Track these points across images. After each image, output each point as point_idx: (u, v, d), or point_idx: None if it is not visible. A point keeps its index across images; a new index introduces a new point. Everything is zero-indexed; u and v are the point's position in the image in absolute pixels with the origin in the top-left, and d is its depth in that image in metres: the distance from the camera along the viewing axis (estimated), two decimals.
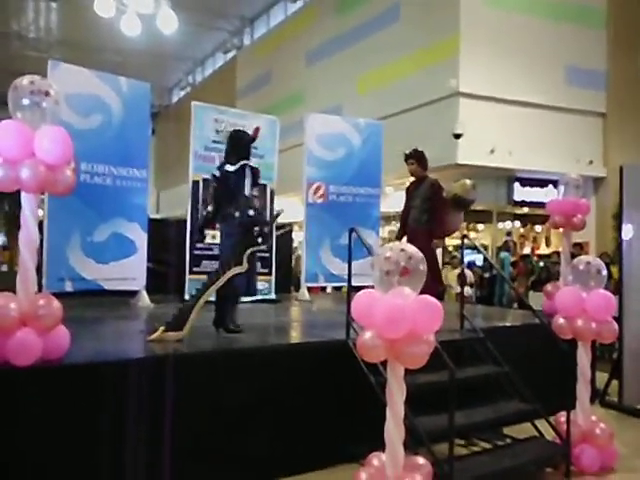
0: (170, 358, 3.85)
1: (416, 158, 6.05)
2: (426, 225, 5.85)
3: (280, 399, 4.28)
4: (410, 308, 3.18)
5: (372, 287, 3.36)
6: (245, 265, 4.64)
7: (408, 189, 6.19)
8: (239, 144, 5.04)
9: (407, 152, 6.10)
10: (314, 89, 16.98)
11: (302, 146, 8.37)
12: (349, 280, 4.81)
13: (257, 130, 5.23)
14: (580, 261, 4.59)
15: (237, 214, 4.78)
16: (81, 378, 3.57)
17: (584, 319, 4.52)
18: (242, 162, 4.90)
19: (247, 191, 4.80)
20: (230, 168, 4.92)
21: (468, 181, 5.74)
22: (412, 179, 6.26)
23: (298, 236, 13.79)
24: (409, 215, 6.04)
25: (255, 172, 4.96)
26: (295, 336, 5.39)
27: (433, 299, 3.27)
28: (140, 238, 6.89)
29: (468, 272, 10.76)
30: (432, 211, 5.83)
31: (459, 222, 5.98)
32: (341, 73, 15.70)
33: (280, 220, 6.77)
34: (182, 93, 28.78)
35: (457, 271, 10.40)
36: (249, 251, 4.68)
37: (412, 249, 3.33)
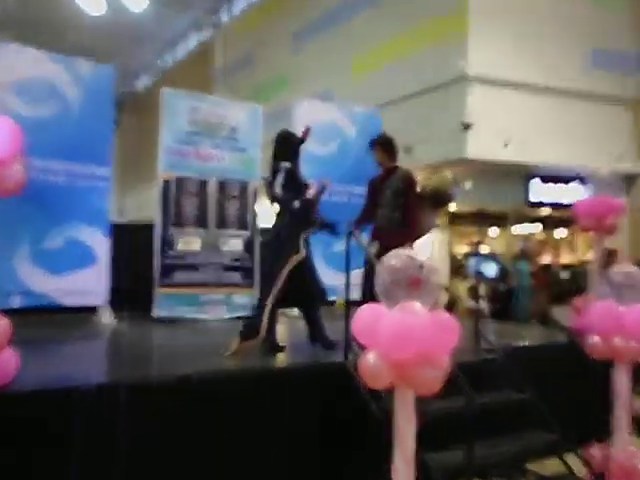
0: (122, 388, 3.80)
1: (382, 145, 5.81)
2: (399, 226, 5.60)
3: (261, 435, 4.22)
4: (421, 325, 3.14)
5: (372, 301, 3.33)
6: (303, 252, 5.02)
7: (373, 183, 5.92)
8: (285, 146, 5.30)
9: (371, 139, 5.94)
10: (302, 72, 17.00)
11: None
12: (347, 292, 4.78)
13: (307, 131, 5.32)
14: (617, 271, 4.57)
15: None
16: (28, 407, 3.50)
17: (622, 337, 4.50)
18: (282, 164, 5.17)
19: (277, 190, 5.07)
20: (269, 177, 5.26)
21: (448, 173, 5.74)
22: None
23: None
24: (374, 213, 5.80)
25: (292, 173, 5.17)
26: (280, 358, 5.34)
27: (447, 314, 3.24)
28: (101, 245, 6.85)
29: (481, 283, 10.76)
30: (405, 209, 5.62)
31: (434, 222, 5.96)
32: (333, 54, 15.74)
33: (263, 223, 6.70)
34: (150, 79, 28.74)
35: (467, 283, 10.39)
36: (304, 235, 5.08)
37: (422, 256, 3.31)
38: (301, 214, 5.08)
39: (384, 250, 3.46)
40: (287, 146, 5.31)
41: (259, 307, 4.97)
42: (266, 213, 5.95)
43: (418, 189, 5.72)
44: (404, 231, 5.52)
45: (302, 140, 5.34)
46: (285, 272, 4.95)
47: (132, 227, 8.96)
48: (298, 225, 5.10)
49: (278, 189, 5.08)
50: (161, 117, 7.39)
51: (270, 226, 5.30)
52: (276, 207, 5.26)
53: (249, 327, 4.92)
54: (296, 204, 5.03)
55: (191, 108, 7.55)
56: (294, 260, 4.99)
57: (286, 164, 5.18)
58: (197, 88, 10.82)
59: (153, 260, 7.22)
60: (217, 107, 7.75)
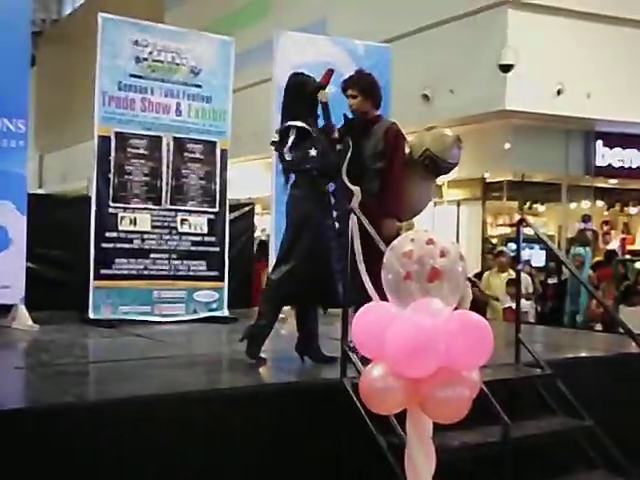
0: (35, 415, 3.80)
1: (361, 87, 5.59)
2: (377, 198, 5.41)
3: (229, 473, 4.23)
4: (443, 330, 3.14)
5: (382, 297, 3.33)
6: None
7: (343, 135, 5.54)
8: (299, 96, 5.26)
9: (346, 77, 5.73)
10: None
11: (269, 82, 8.33)
12: (344, 289, 4.81)
13: (329, 73, 5.33)
14: None
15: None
16: None
17: None
18: (290, 123, 5.17)
19: (287, 155, 5.14)
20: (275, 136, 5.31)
21: (448, 131, 5.63)
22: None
23: (263, 221, 13.69)
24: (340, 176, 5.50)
25: (306, 134, 5.17)
26: (260, 375, 5.35)
27: (477, 316, 3.25)
28: (16, 224, 6.85)
29: (525, 276, 10.76)
30: (387, 177, 5.48)
31: (428, 197, 5.83)
32: None
33: (234, 195, 6.71)
34: (79, 1, 28.55)
35: (506, 275, 10.39)
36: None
37: (444, 240, 3.30)
38: (325, 167, 5.14)
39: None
40: (299, 97, 5.27)
41: None
42: (241, 182, 5.93)
43: (406, 150, 5.56)
44: (384, 207, 5.38)
45: (321, 87, 5.27)
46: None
47: (58, 201, 8.95)
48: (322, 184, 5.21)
49: (287, 154, 5.13)
50: (98, 53, 7.31)
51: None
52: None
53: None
54: (312, 152, 5.06)
55: (136, 41, 7.47)
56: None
57: (296, 123, 5.17)
58: (143, 14, 10.75)
59: (87, 244, 7.18)
60: (172, 40, 7.68)
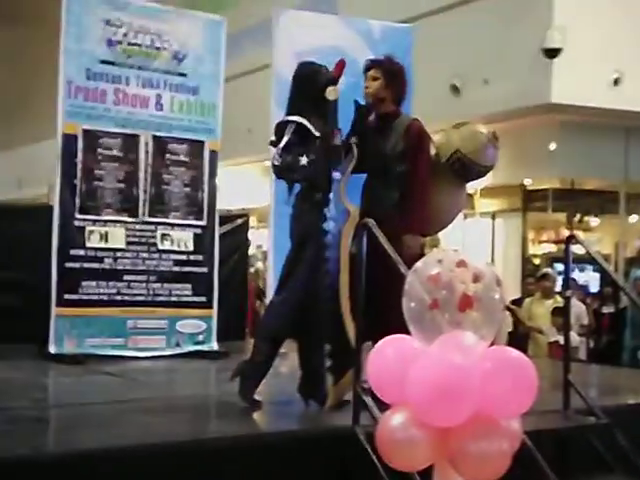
0: None
1: (386, 69, 5.65)
2: (396, 208, 5.45)
3: None
4: (476, 370, 3.15)
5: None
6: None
7: (348, 140, 5.65)
8: (305, 89, 5.36)
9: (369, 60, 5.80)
10: None
11: (267, 70, 8.36)
12: (358, 316, 4.75)
13: (341, 65, 5.41)
14: None
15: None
16: None
17: None
18: (289, 118, 5.31)
19: (275, 159, 5.23)
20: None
21: (481, 128, 5.62)
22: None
23: (259, 236, 13.70)
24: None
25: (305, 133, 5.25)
26: (255, 422, 5.36)
27: (517, 352, 3.26)
28: None
29: (578, 305, 10.68)
30: (411, 181, 5.48)
31: (457, 207, 5.86)
32: None
33: (225, 205, 6.77)
34: None
35: (551, 302, 10.34)
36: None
37: (479, 262, 3.36)
38: (315, 178, 5.21)
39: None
40: (306, 91, 5.35)
41: None
42: (233, 189, 6.00)
43: (431, 151, 5.60)
44: (403, 221, 5.37)
45: (332, 80, 5.34)
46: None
47: (11, 211, 8.93)
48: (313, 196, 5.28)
49: (276, 158, 5.22)
50: (62, 35, 7.30)
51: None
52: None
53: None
54: (303, 161, 5.13)
55: (108, 20, 7.49)
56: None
57: (296, 118, 5.26)
58: None
59: (48, 263, 7.18)
60: (151, 19, 7.71)
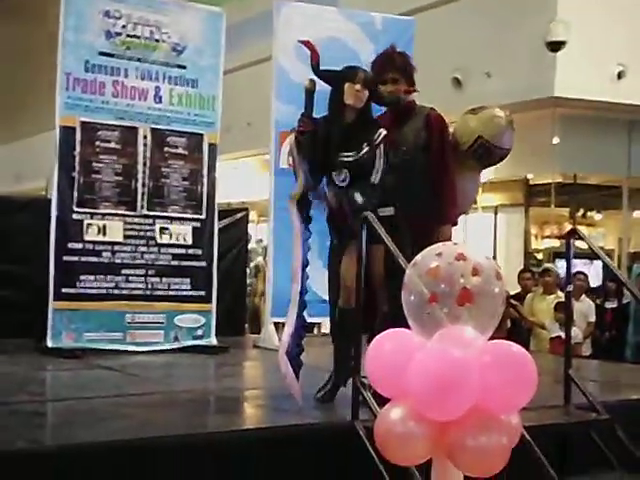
0: None
1: (403, 69, 5.65)
2: (423, 201, 5.40)
3: None
4: (476, 364, 3.15)
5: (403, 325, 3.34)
6: None
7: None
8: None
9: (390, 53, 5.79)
10: None
11: (267, 62, 8.38)
12: (357, 312, 4.78)
13: (310, 47, 5.56)
14: None
15: None
16: None
17: None
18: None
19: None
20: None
21: (499, 111, 5.71)
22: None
23: (258, 230, 13.68)
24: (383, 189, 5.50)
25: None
26: (254, 417, 5.38)
27: (517, 347, 3.26)
28: None
29: (588, 302, 10.65)
30: (440, 172, 5.47)
31: (475, 192, 5.92)
32: None
33: (224, 199, 6.76)
34: None
35: (553, 298, 10.34)
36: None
37: (478, 255, 3.34)
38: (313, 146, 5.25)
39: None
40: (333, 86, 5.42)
41: None
42: (232, 183, 6.01)
43: (450, 138, 5.61)
44: (436, 212, 5.38)
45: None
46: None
47: (9, 204, 8.92)
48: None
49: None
50: (60, 26, 7.30)
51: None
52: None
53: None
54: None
55: (107, 12, 7.49)
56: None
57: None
58: None
59: (46, 256, 7.18)
60: (150, 11, 7.71)
